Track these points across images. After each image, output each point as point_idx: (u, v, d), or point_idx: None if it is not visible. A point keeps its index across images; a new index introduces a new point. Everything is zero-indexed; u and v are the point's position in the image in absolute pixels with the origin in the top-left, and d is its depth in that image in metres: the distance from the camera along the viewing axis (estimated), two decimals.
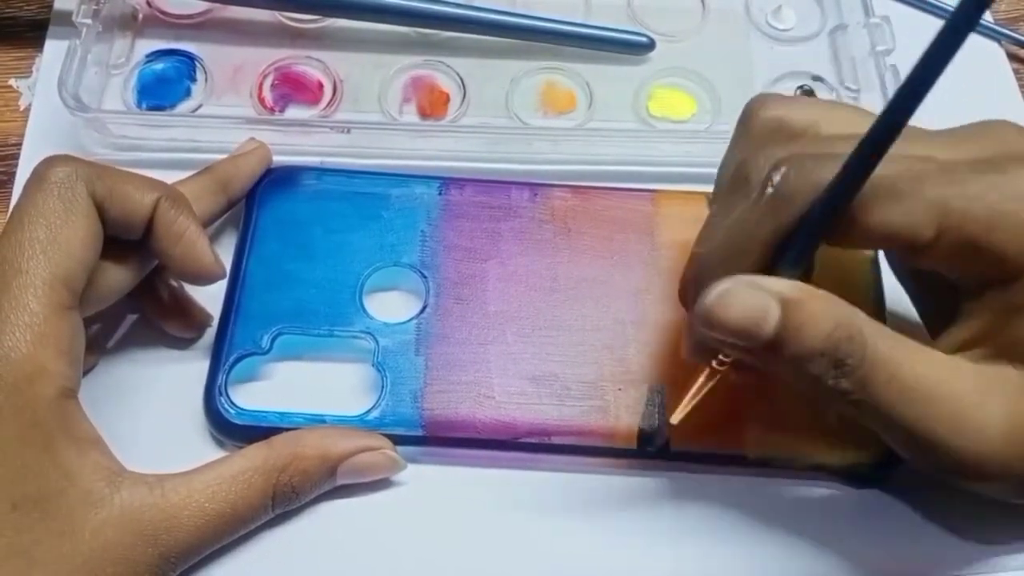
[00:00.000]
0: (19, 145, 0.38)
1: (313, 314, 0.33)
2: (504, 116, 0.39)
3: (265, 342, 0.32)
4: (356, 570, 0.30)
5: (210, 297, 0.33)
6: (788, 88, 0.41)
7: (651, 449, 0.31)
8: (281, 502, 0.29)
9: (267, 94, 0.39)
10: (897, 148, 0.24)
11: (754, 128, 0.28)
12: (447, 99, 0.40)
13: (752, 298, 0.25)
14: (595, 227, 0.35)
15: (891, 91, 0.37)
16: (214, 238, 0.35)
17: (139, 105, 0.39)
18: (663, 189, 0.36)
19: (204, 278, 0.31)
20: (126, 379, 0.33)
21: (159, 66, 0.40)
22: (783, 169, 0.25)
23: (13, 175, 0.37)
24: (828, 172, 0.24)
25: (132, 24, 0.41)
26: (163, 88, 0.39)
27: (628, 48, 0.41)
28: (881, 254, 0.33)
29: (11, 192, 0.37)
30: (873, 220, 0.25)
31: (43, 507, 0.26)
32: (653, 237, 0.35)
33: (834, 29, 0.42)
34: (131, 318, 0.34)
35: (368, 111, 0.39)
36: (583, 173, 0.38)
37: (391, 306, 0.33)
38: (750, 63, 0.41)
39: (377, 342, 0.32)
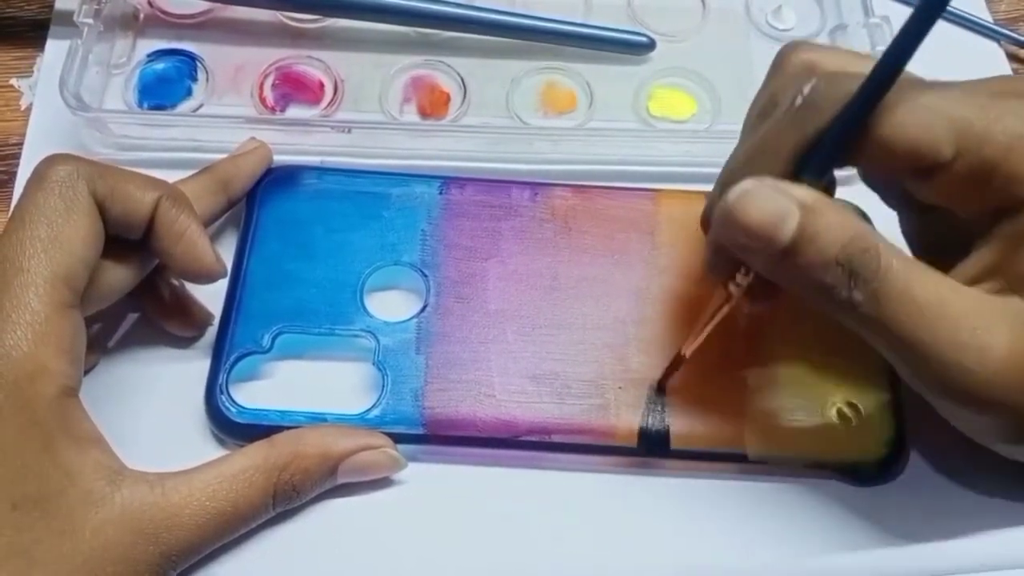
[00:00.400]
0: (20, 145, 0.38)
1: (314, 313, 0.33)
2: (504, 116, 0.39)
3: (266, 341, 0.32)
4: (356, 570, 0.30)
5: (211, 296, 0.33)
6: None
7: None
8: (282, 501, 0.29)
9: (268, 94, 0.39)
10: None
11: (787, 67, 0.29)
12: (447, 99, 0.40)
13: (773, 200, 0.25)
14: (596, 226, 0.35)
15: None
16: (215, 237, 0.35)
17: (140, 105, 0.39)
18: (664, 188, 0.36)
19: (205, 277, 0.31)
20: (127, 378, 0.33)
21: (160, 66, 0.40)
22: (814, 80, 0.26)
23: (14, 175, 0.37)
24: (856, 84, 0.25)
25: (133, 24, 0.41)
26: (164, 88, 0.39)
27: (628, 48, 0.41)
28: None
29: (12, 191, 0.37)
30: (895, 131, 0.25)
31: (44, 506, 0.26)
32: (653, 236, 0.35)
33: (834, 29, 0.42)
34: (132, 317, 0.34)
35: (369, 111, 0.39)
36: (583, 173, 0.38)
37: (392, 305, 0.34)
38: (750, 63, 0.41)
39: (378, 341, 0.32)
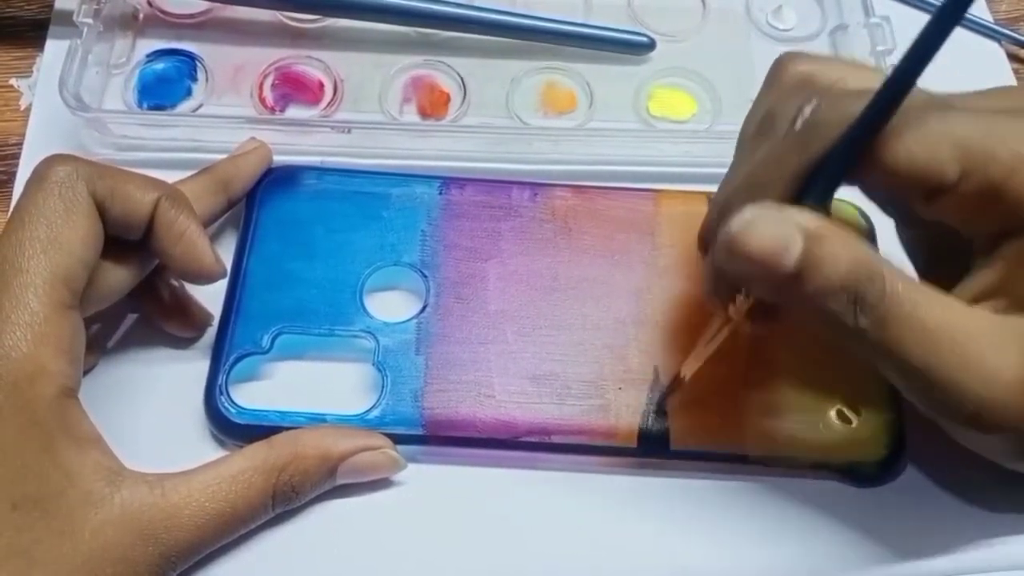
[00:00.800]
0: (20, 145, 0.38)
1: (313, 313, 0.33)
2: (504, 116, 0.39)
3: (265, 341, 0.32)
4: (356, 571, 0.30)
5: (210, 297, 0.33)
6: None
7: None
8: (281, 502, 0.29)
9: (268, 94, 0.39)
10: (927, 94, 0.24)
11: (783, 80, 0.28)
12: (447, 99, 0.40)
13: (777, 227, 0.25)
14: (596, 227, 0.35)
15: None
16: (214, 238, 0.35)
17: (140, 105, 0.39)
18: (664, 189, 0.36)
19: (204, 278, 0.31)
20: (126, 378, 0.33)
21: (160, 66, 0.40)
22: (815, 101, 0.26)
23: (14, 175, 0.37)
24: (859, 106, 0.25)
25: (133, 24, 0.41)
26: (164, 88, 0.39)
27: (628, 48, 0.41)
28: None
29: (12, 192, 0.37)
30: (900, 155, 0.25)
31: (43, 507, 0.26)
32: (654, 237, 0.35)
33: (835, 29, 0.42)
34: (131, 318, 0.34)
35: (368, 111, 0.39)
36: (583, 173, 0.38)
37: (391, 305, 0.33)
38: (750, 63, 0.41)
39: (377, 341, 0.32)
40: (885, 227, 0.32)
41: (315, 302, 0.33)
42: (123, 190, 0.29)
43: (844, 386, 0.32)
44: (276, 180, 0.35)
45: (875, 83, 0.25)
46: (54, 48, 0.40)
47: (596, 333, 0.33)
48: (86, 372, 0.31)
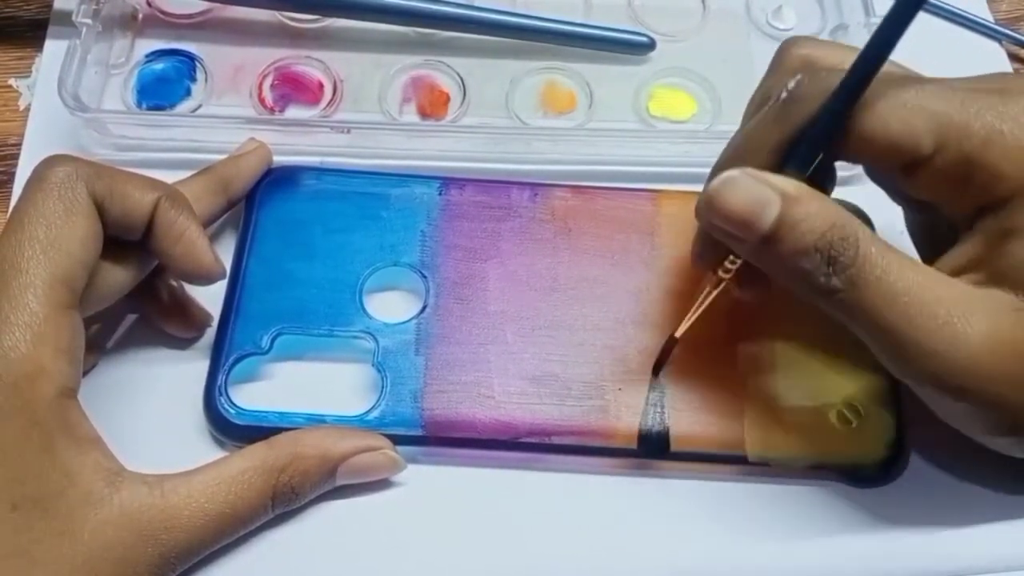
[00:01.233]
0: (19, 145, 0.38)
1: (313, 314, 0.33)
2: (504, 116, 0.39)
3: (265, 342, 0.32)
4: (356, 570, 0.30)
5: (210, 297, 0.33)
6: None
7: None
8: (281, 502, 0.29)
9: (267, 94, 0.39)
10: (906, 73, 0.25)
11: (785, 63, 0.29)
12: (447, 99, 0.40)
13: (754, 188, 0.26)
14: (595, 227, 0.35)
15: None
16: (214, 238, 0.35)
17: (139, 105, 0.39)
18: (664, 189, 0.36)
19: (204, 278, 0.31)
20: (126, 379, 0.33)
21: (159, 66, 0.40)
22: (798, 76, 0.27)
23: (13, 175, 0.37)
24: (839, 79, 0.26)
25: (132, 24, 0.41)
26: (163, 88, 0.39)
27: (628, 48, 0.41)
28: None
29: (11, 192, 0.37)
30: (876, 126, 0.26)
31: (43, 507, 0.26)
32: (653, 237, 0.35)
33: (835, 29, 0.42)
34: (131, 318, 0.34)
35: (368, 111, 0.39)
36: (583, 173, 0.37)
37: (391, 306, 0.33)
38: (750, 63, 0.41)
39: (377, 342, 0.32)
40: (885, 227, 0.32)
41: (315, 303, 0.33)
42: (122, 190, 0.29)
43: (844, 387, 0.32)
44: (276, 180, 0.35)
45: None
46: (53, 48, 0.40)
47: (596, 333, 0.33)
48: (86, 372, 0.31)
